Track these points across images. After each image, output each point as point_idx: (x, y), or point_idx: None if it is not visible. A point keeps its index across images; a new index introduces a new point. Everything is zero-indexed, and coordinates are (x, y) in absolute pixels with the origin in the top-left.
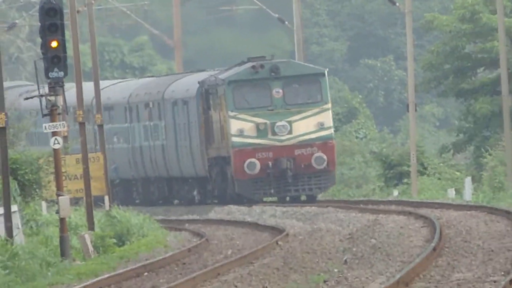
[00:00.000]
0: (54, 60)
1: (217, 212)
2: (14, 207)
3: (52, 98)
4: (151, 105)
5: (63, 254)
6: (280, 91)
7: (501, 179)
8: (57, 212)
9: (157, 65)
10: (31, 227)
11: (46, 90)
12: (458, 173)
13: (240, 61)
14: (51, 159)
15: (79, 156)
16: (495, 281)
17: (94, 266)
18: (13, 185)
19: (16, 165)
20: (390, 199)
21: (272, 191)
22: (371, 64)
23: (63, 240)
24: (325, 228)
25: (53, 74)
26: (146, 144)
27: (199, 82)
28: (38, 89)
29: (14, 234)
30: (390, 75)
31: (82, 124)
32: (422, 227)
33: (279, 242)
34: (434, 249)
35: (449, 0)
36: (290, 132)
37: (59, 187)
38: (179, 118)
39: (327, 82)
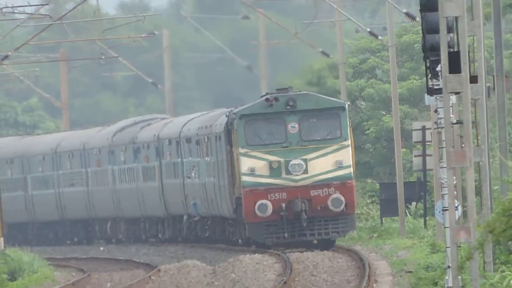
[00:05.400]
0: None
1: (98, 251)
2: None
3: None
4: (201, 140)
5: None
6: (296, 126)
7: None
8: None
9: (46, 122)
10: None
11: None
12: None
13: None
14: None
15: None
16: None
17: None
18: None
19: None
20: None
21: (285, 235)
22: None
23: None
24: (191, 264)
25: None
26: (208, 180)
27: (226, 115)
28: None
29: None
30: None
31: None
32: (275, 263)
33: (152, 277)
34: (285, 282)
35: (297, 66)
36: (305, 171)
37: None
38: (217, 154)
39: (348, 117)
